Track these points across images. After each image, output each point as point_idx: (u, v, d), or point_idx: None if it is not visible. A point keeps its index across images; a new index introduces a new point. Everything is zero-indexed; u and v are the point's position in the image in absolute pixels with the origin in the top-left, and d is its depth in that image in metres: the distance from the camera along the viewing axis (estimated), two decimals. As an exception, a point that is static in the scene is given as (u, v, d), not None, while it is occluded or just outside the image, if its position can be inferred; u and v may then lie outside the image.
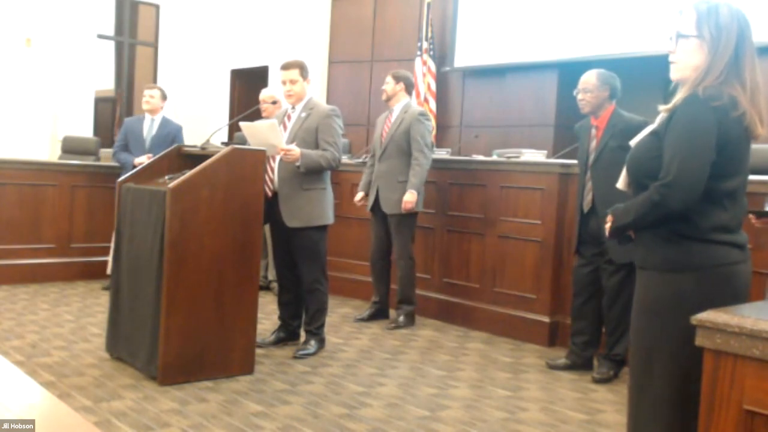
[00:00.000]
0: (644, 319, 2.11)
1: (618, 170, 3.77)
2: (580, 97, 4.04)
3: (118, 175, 5.64)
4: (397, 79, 5.16)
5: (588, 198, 4.02)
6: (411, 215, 5.04)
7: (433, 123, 5.07)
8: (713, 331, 1.63)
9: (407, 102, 5.19)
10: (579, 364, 4.19)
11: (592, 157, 4.01)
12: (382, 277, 5.29)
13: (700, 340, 1.67)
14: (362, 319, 5.23)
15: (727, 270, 2.00)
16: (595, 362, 4.17)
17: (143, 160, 5.39)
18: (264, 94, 5.81)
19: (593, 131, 4.05)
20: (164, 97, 6.01)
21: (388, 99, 5.19)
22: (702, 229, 1.99)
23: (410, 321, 5.14)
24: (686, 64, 2.04)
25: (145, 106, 5.97)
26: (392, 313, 5.27)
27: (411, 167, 4.97)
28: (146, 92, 6.02)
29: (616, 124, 3.95)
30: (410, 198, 4.92)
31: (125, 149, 5.89)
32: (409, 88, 5.22)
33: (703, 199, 1.97)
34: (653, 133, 2.09)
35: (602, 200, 3.89)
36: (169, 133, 5.89)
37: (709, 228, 1.99)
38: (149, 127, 5.92)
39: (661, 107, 2.08)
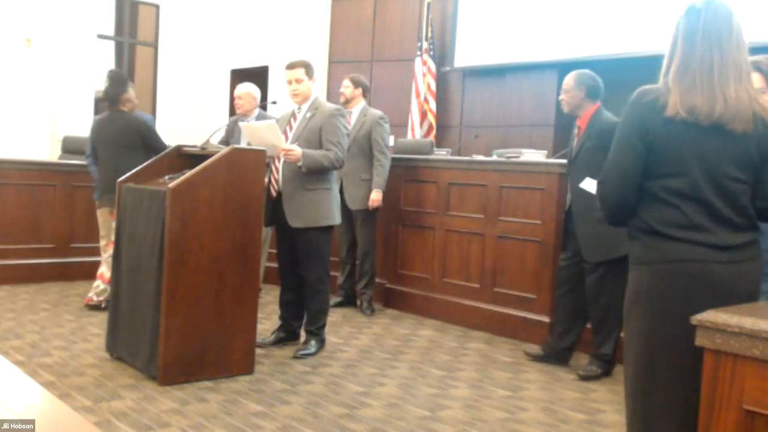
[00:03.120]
0: (624, 313, 2.16)
1: (591, 170, 3.86)
2: (560, 97, 4.18)
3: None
4: (356, 84, 5.54)
5: (568, 196, 4.18)
6: (374, 210, 5.43)
7: (389, 126, 5.61)
8: (713, 331, 1.63)
9: (364, 105, 5.56)
10: (552, 355, 4.27)
11: (572, 157, 4.13)
12: (352, 270, 5.64)
13: (700, 340, 1.67)
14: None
15: (688, 267, 1.96)
16: (587, 360, 4.20)
17: None
18: (239, 90, 5.66)
19: (575, 131, 4.17)
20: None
21: (347, 102, 5.50)
22: (651, 224, 2.00)
23: (371, 307, 5.53)
24: None
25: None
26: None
27: (374, 168, 5.37)
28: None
29: (593, 125, 4.03)
30: (376, 197, 5.33)
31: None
32: (366, 92, 5.63)
33: (648, 197, 2.02)
34: None
35: (575, 199, 4.04)
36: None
37: (658, 223, 1.99)
38: None
39: None
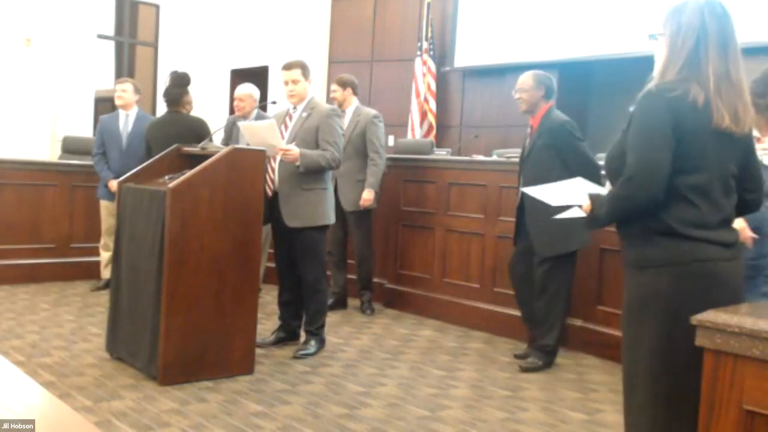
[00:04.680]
0: (627, 316, 2.12)
1: (543, 167, 3.98)
2: (517, 96, 4.23)
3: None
4: (344, 85, 5.48)
5: (519, 192, 4.26)
6: (368, 211, 5.38)
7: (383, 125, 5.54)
8: (713, 331, 1.63)
9: (357, 105, 5.50)
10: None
11: (525, 154, 4.23)
12: (341, 267, 5.58)
13: (700, 340, 1.67)
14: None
15: (704, 267, 1.97)
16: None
17: (115, 185, 4.85)
18: (240, 92, 5.65)
19: (528, 130, 4.27)
20: (137, 91, 5.89)
21: (340, 105, 5.43)
22: (669, 224, 1.98)
23: (371, 307, 5.53)
24: (657, 62, 2.08)
25: (117, 101, 5.84)
26: (350, 302, 5.63)
27: (368, 167, 5.29)
28: (118, 87, 5.89)
29: (544, 123, 4.15)
30: (368, 196, 5.26)
31: (104, 157, 5.75)
32: (356, 90, 5.55)
33: (667, 195, 1.97)
34: (622, 132, 2.11)
35: (529, 196, 4.03)
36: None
37: (676, 223, 1.97)
38: (125, 123, 5.80)
39: (630, 108, 2.10)
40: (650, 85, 2.03)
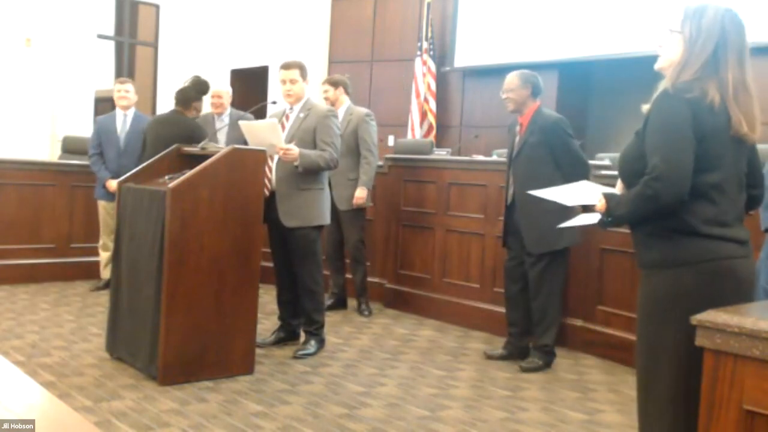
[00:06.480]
0: (645, 317, 2.10)
1: (535, 164, 4.02)
2: (504, 96, 4.23)
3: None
4: (335, 84, 5.45)
5: (510, 191, 4.25)
6: (361, 209, 5.35)
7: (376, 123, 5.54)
8: (713, 331, 1.63)
9: (349, 105, 5.47)
10: (515, 354, 4.31)
11: (515, 152, 4.21)
12: (339, 268, 5.56)
13: (700, 340, 1.67)
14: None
15: (723, 264, 1.98)
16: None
17: (113, 185, 4.97)
18: (220, 89, 5.65)
19: (518, 128, 4.25)
20: (134, 91, 5.95)
21: (332, 105, 5.37)
22: (690, 223, 1.99)
23: (369, 308, 5.50)
24: (667, 57, 2.09)
25: (122, 102, 5.82)
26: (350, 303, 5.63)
27: (361, 166, 5.28)
28: (120, 87, 5.86)
29: (536, 121, 4.14)
30: (362, 194, 5.25)
31: (101, 157, 5.76)
32: (347, 89, 5.50)
33: (690, 193, 1.98)
34: (636, 134, 2.10)
35: (521, 193, 4.10)
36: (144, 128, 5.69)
37: (698, 222, 1.98)
38: (122, 124, 5.80)
39: (644, 107, 2.10)
40: (665, 84, 2.03)
